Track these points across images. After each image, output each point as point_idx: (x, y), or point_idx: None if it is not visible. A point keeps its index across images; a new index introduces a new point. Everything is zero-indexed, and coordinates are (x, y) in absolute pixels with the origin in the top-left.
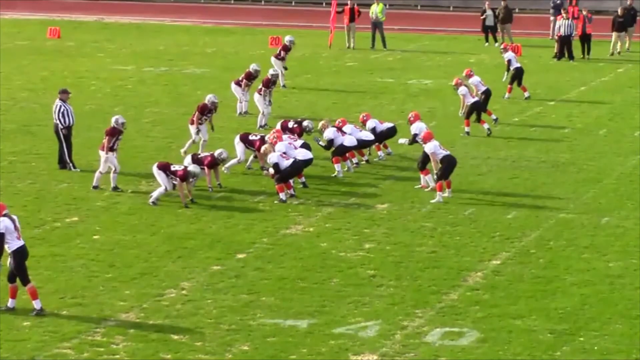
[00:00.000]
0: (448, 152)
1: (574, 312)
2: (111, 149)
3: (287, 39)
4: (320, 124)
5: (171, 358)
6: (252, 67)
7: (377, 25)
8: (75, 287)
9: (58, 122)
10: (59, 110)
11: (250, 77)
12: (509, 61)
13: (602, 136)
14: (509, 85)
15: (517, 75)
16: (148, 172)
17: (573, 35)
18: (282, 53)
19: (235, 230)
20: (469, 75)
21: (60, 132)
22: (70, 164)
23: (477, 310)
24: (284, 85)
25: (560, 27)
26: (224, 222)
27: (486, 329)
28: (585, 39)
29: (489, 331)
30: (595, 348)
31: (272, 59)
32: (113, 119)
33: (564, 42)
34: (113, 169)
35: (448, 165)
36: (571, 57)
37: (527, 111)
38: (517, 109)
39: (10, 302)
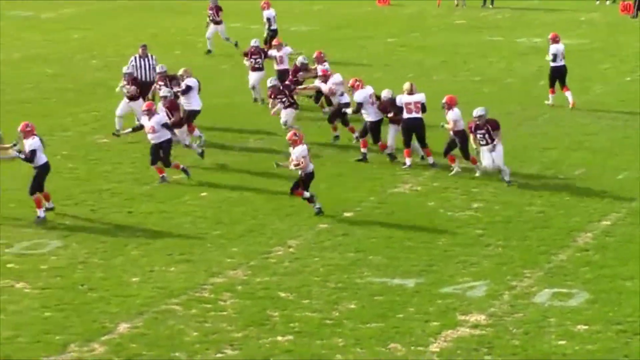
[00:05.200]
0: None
1: None
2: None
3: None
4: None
5: (278, 315)
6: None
7: None
8: (183, 244)
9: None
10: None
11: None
12: None
13: None
14: None
15: None
16: (255, 127)
17: None
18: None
19: (343, 188)
20: (554, 40)
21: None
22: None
23: (586, 271)
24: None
25: None
26: (332, 181)
27: (596, 290)
28: None
29: (599, 292)
30: None
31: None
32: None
33: None
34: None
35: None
36: None
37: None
38: (629, 67)
39: (41, 212)
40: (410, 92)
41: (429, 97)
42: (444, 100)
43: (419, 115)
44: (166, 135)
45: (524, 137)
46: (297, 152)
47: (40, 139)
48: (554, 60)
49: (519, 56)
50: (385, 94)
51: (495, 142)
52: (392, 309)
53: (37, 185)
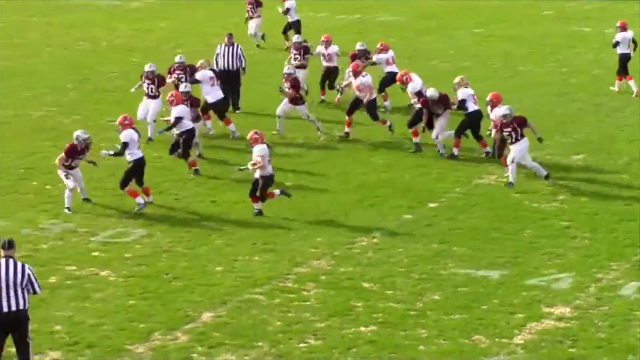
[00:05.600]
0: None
1: None
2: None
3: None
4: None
5: (362, 306)
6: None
7: None
8: (267, 234)
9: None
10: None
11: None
12: None
13: None
14: None
15: None
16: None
17: None
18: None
19: (427, 179)
20: (622, 28)
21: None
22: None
23: None
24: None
25: None
26: (416, 171)
27: None
28: None
29: None
30: None
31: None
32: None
33: None
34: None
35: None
36: None
37: None
38: None
39: (139, 199)
40: (467, 85)
41: (516, 88)
42: (488, 98)
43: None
44: (188, 126)
45: (611, 129)
46: (256, 151)
47: (137, 132)
48: (617, 46)
49: (607, 47)
50: (430, 92)
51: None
52: (476, 301)
53: (128, 179)
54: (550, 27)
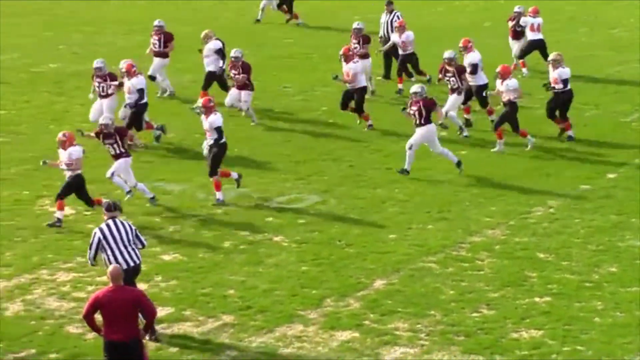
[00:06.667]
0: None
1: None
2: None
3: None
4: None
5: (536, 276)
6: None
7: None
8: (441, 202)
9: None
10: None
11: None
12: None
13: None
14: None
15: None
16: None
17: None
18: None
19: (606, 149)
20: None
21: None
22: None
23: None
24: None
25: None
26: (594, 141)
27: None
28: None
29: None
30: None
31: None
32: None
33: None
34: None
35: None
36: None
37: None
38: None
39: (218, 195)
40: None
41: None
42: (497, 70)
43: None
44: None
45: None
46: (70, 152)
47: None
48: None
49: None
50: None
51: None
52: None
53: (216, 165)
54: None
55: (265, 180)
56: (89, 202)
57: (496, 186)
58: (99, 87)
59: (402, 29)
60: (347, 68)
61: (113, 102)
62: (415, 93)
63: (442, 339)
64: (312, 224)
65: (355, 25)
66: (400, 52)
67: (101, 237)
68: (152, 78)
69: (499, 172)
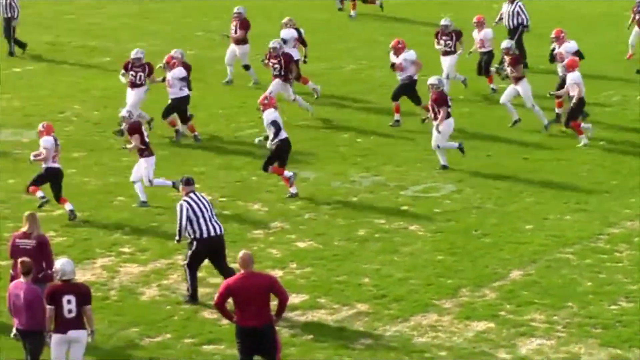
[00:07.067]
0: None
1: None
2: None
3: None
4: None
5: None
6: None
7: None
8: (579, 193)
9: None
10: None
11: None
12: None
13: None
14: None
15: None
16: None
17: None
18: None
19: None
20: None
21: None
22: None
23: None
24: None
25: None
26: None
27: None
28: None
29: None
30: None
31: None
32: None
33: None
34: None
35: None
36: None
37: None
38: None
39: (287, 173)
40: None
41: None
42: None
43: None
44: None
45: None
46: (40, 142)
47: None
48: None
49: None
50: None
51: None
52: None
53: (271, 161)
54: None
55: (401, 169)
56: (57, 198)
57: (636, 177)
58: (135, 75)
59: (480, 25)
60: (399, 60)
61: (142, 93)
62: (432, 85)
63: (579, 331)
64: (447, 213)
65: (443, 22)
66: (478, 50)
67: (189, 208)
68: (246, 67)
69: (638, 163)
